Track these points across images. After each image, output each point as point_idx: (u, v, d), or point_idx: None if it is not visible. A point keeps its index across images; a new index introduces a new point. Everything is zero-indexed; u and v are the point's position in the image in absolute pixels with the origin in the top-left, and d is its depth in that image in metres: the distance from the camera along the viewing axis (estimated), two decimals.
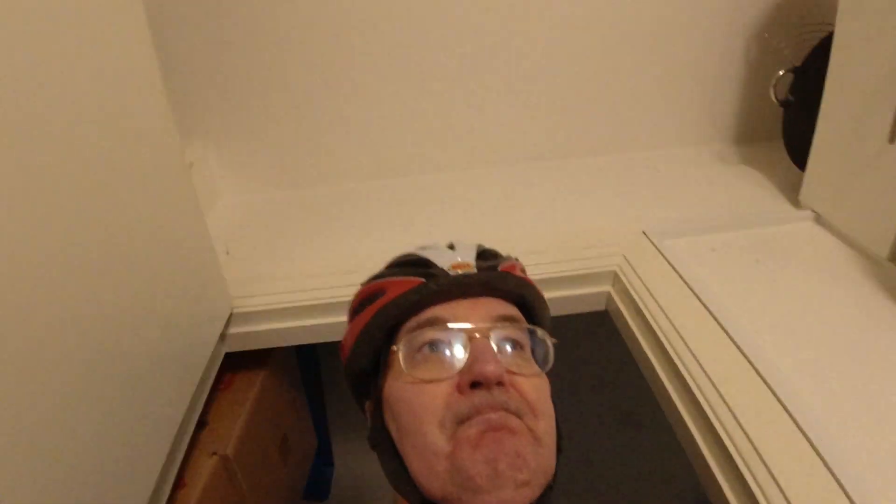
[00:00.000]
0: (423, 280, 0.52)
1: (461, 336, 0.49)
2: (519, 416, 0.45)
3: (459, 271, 0.52)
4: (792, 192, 0.97)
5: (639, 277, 0.79)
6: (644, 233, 0.87)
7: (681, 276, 0.78)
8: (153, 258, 0.63)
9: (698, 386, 0.64)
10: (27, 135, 0.45)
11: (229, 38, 1.04)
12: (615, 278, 0.83)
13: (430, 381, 0.47)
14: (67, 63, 0.52)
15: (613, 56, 1.11)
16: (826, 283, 0.79)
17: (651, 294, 0.76)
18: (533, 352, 0.53)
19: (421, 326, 0.50)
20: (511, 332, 0.51)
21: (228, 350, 0.81)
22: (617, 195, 1.05)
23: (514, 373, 0.47)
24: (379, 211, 1.09)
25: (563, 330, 0.58)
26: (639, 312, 0.76)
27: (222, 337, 0.79)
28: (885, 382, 0.62)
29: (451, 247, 0.57)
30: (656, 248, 0.84)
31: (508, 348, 0.50)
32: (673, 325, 0.71)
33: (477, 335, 0.48)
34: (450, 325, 0.49)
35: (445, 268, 0.53)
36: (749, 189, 1.03)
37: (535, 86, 1.12)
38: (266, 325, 0.81)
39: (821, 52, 0.91)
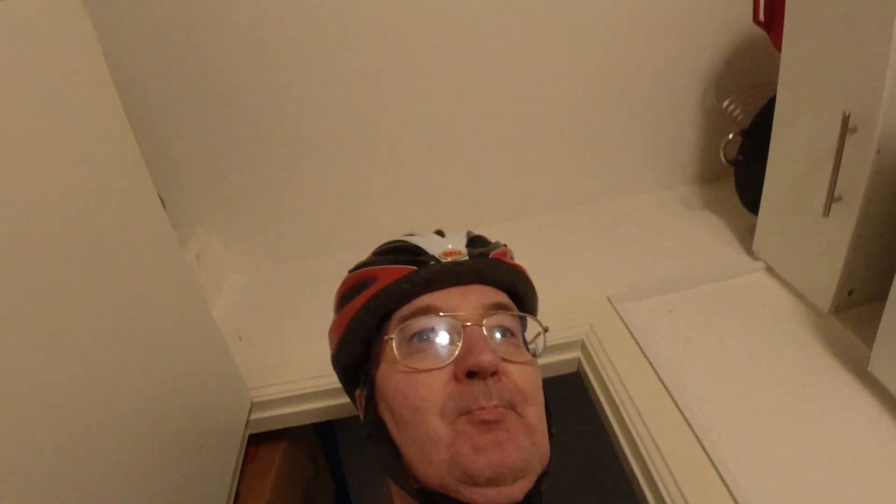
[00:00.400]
0: (414, 268, 0.52)
1: (455, 324, 0.49)
2: (512, 404, 0.46)
3: (451, 259, 0.52)
4: (749, 237, 1.05)
5: (602, 346, 0.90)
6: (608, 298, 0.98)
7: (638, 344, 0.88)
8: (172, 368, 0.72)
9: (650, 458, 0.74)
10: (21, 265, 0.48)
11: (222, 123, 1.13)
12: (583, 346, 0.93)
13: (426, 371, 0.47)
14: (59, 185, 0.54)
15: (576, 107, 1.19)
16: (772, 338, 0.89)
17: (611, 362, 0.87)
18: (523, 338, 0.54)
19: (413, 315, 0.50)
20: (503, 319, 0.51)
21: (252, 432, 0.93)
22: (586, 255, 1.14)
23: (507, 360, 0.48)
24: None
25: None
26: (601, 380, 0.87)
27: (245, 423, 0.91)
28: (822, 445, 0.72)
29: (440, 233, 0.57)
30: (618, 314, 0.94)
31: (500, 336, 0.50)
32: (629, 395, 0.82)
33: (470, 323, 0.49)
34: (442, 313, 0.50)
35: (436, 255, 0.53)
36: (709, 237, 1.12)
37: (508, 147, 1.22)
38: (284, 409, 0.92)
39: (767, 113, 0.99)
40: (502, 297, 0.54)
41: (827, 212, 0.83)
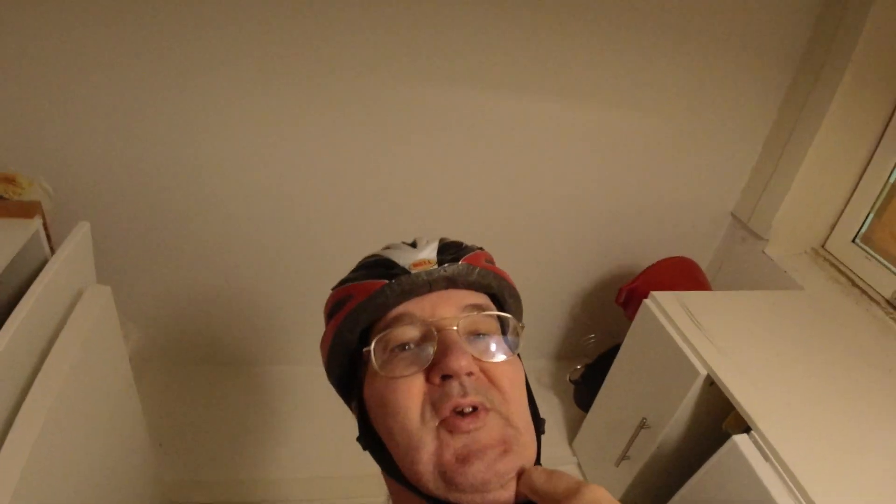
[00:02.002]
0: (386, 281, 0.53)
1: (429, 330, 0.50)
2: (492, 402, 0.47)
3: (420, 269, 0.53)
4: (576, 427, 1.42)
5: None
6: None
7: None
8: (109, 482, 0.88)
9: None
10: None
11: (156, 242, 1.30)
12: None
13: (403, 377, 0.48)
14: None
15: None
16: None
17: None
18: (505, 337, 0.54)
19: (389, 325, 0.52)
20: (478, 321, 0.52)
21: None
22: None
23: (482, 360, 0.49)
24: (277, 400, 1.42)
25: None
26: None
27: None
28: None
29: (414, 244, 0.58)
30: None
31: (476, 337, 0.51)
32: None
33: (443, 328, 0.49)
34: (417, 321, 0.51)
35: (407, 266, 0.54)
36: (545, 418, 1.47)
37: None
38: None
39: (608, 358, 1.35)
40: (479, 299, 0.55)
41: (618, 464, 1.21)
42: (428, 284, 0.53)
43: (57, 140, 1.09)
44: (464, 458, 0.44)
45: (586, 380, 1.40)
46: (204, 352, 1.46)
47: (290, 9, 1.07)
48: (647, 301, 1.17)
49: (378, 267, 0.56)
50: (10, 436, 0.64)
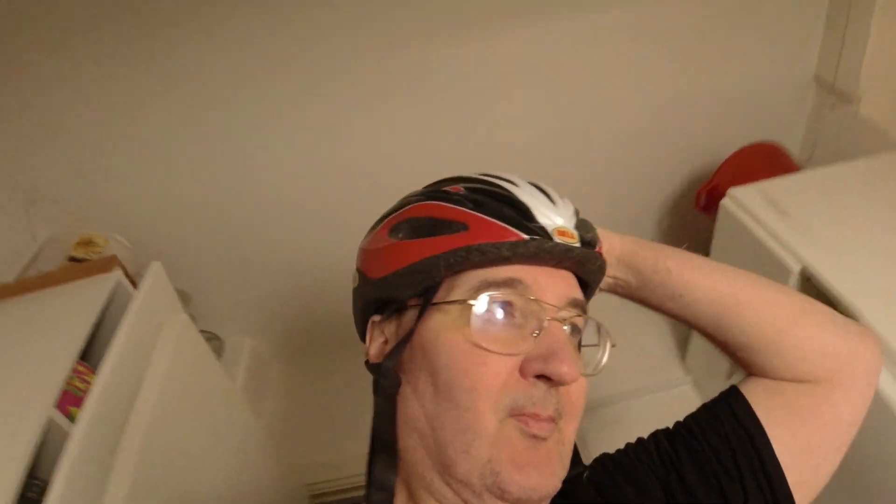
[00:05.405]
0: (522, 235, 0.43)
1: (540, 313, 0.43)
2: (560, 416, 0.43)
3: (564, 240, 0.44)
4: (685, 346, 1.36)
5: None
6: None
7: None
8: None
9: None
10: None
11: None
12: None
13: (496, 353, 0.42)
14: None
15: None
16: None
17: None
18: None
19: (499, 285, 0.44)
20: (578, 321, 0.46)
21: None
22: None
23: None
24: None
25: None
26: None
27: None
28: None
29: (547, 194, 0.47)
30: None
31: (573, 340, 0.46)
32: None
33: (553, 317, 0.43)
34: (532, 296, 0.44)
35: (549, 229, 0.44)
36: (650, 350, 1.41)
37: None
38: (333, 498, 1.26)
39: None
40: (580, 293, 0.48)
41: (729, 376, 1.14)
42: (560, 259, 0.45)
43: (122, 192, 1.21)
44: (521, 465, 0.40)
45: None
46: (316, 343, 1.56)
47: None
48: (724, 201, 1.07)
49: (506, 206, 0.45)
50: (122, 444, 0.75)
